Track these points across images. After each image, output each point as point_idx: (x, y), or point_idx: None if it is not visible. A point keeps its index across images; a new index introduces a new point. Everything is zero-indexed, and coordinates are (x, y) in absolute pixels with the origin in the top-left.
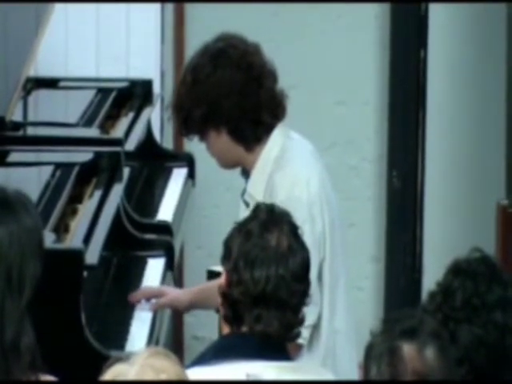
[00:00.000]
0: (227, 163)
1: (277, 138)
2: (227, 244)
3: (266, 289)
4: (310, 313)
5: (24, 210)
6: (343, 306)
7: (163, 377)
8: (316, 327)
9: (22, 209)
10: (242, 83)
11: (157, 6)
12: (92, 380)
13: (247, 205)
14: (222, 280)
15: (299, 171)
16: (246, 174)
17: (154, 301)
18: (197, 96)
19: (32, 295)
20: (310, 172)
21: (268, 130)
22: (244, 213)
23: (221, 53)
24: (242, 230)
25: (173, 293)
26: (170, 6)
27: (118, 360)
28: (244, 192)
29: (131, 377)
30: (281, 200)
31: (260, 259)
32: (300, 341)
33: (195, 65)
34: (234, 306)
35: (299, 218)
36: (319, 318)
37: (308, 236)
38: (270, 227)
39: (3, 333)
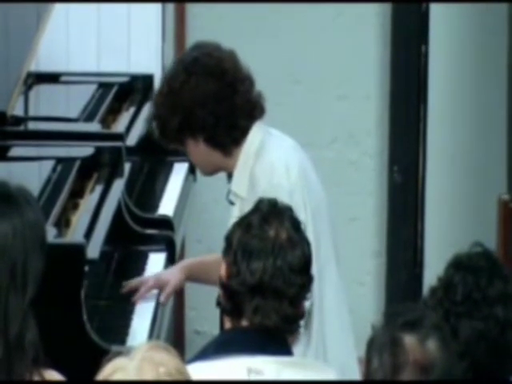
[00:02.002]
0: (207, 170)
1: (254, 134)
2: (228, 237)
3: (262, 279)
4: None
5: (27, 204)
6: (333, 294)
7: (162, 370)
8: (309, 314)
9: (24, 203)
10: (216, 90)
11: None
12: (93, 380)
13: (232, 204)
14: (221, 272)
15: (278, 159)
16: (230, 178)
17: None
18: (172, 105)
19: (35, 290)
20: (289, 160)
21: (244, 132)
22: (233, 213)
23: (195, 61)
24: (242, 223)
25: (170, 279)
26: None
27: (118, 354)
28: (229, 193)
29: (131, 370)
30: (262, 189)
31: (257, 250)
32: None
33: (171, 75)
34: (232, 298)
35: None
36: (311, 305)
37: None
38: (270, 220)
39: (7, 328)
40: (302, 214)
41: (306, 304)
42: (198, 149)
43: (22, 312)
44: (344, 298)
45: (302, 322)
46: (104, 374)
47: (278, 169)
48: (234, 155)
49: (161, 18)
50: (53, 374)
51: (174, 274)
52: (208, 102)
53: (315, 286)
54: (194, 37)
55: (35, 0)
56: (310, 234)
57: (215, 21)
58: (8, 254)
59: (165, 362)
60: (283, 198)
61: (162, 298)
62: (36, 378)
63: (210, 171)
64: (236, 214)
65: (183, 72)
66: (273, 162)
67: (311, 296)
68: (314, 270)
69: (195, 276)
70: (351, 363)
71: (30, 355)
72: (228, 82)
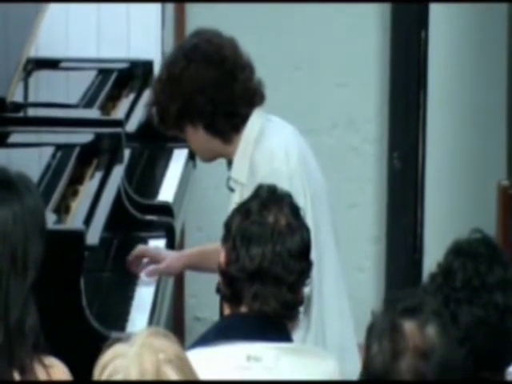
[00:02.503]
0: (207, 156)
1: (255, 121)
2: (227, 224)
3: (261, 265)
4: None
5: (27, 190)
6: (333, 280)
7: (162, 357)
8: (309, 299)
9: (24, 189)
10: (215, 78)
11: None
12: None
13: (232, 190)
14: (221, 258)
15: (277, 145)
16: (230, 164)
17: (151, 267)
18: (171, 92)
19: (35, 276)
20: (289, 146)
21: (244, 119)
22: (233, 199)
23: (194, 48)
24: (241, 209)
25: (167, 258)
26: None
27: (118, 340)
28: (228, 179)
29: (131, 356)
30: (261, 175)
31: (257, 236)
32: None
33: (170, 61)
34: (232, 284)
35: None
36: (311, 290)
37: None
38: (269, 206)
39: (8, 313)
40: (301, 200)
41: (306, 290)
42: (198, 135)
43: (22, 297)
44: (343, 284)
45: (301, 308)
46: (104, 359)
47: (278, 155)
48: (234, 142)
49: (160, 4)
50: (52, 361)
51: (173, 258)
52: (207, 90)
53: (314, 271)
54: (193, 22)
55: (36, 0)
56: (310, 220)
57: (215, 6)
58: (8, 239)
59: (164, 348)
60: (283, 184)
61: (148, 273)
62: (36, 364)
63: (210, 158)
64: (236, 200)
65: (183, 59)
66: (272, 148)
67: (311, 282)
68: (313, 255)
69: (195, 265)
70: (350, 349)
71: (30, 340)
72: (228, 69)
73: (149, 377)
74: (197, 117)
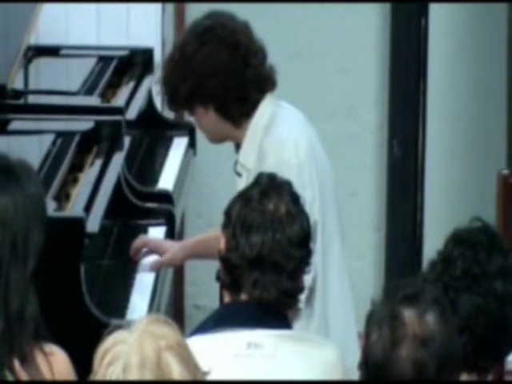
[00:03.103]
0: (215, 138)
1: (266, 107)
2: (228, 211)
3: (261, 252)
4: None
5: (27, 177)
6: (337, 271)
7: (162, 343)
8: (312, 290)
9: (25, 177)
10: (228, 62)
11: None
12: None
13: (239, 175)
14: (221, 246)
15: (287, 135)
16: (238, 148)
17: (151, 258)
18: (183, 73)
19: (36, 263)
20: (299, 135)
21: (254, 105)
22: (239, 184)
23: (208, 30)
24: (242, 197)
25: (169, 250)
26: None
27: (119, 327)
28: (236, 164)
29: (131, 343)
30: (269, 164)
31: (257, 223)
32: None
33: (183, 42)
34: (232, 272)
35: (287, 179)
36: (314, 281)
37: None
38: (269, 193)
39: (8, 301)
40: (308, 191)
41: (309, 280)
42: (208, 117)
43: (23, 285)
44: (346, 275)
45: (303, 298)
46: (105, 346)
47: (287, 144)
48: (244, 127)
49: None
50: (53, 348)
51: (176, 250)
52: (219, 73)
53: (319, 262)
54: (193, 10)
55: (36, 0)
56: (316, 212)
57: None
58: (9, 226)
59: (165, 335)
60: (290, 175)
61: (151, 266)
62: (36, 351)
63: (218, 140)
64: (242, 185)
65: (196, 40)
66: (282, 137)
67: (313, 271)
68: (319, 246)
69: (198, 254)
70: (351, 340)
71: (30, 328)
72: (240, 54)
73: (149, 363)
74: (208, 99)
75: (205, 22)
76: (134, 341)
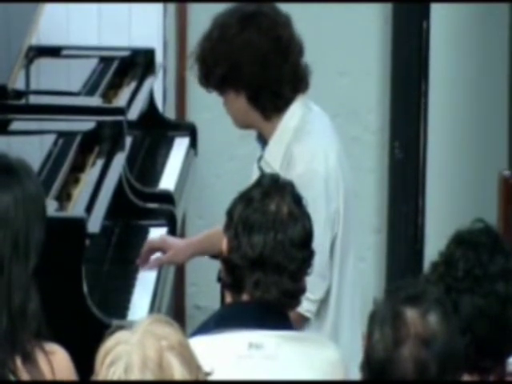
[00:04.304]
0: (242, 124)
1: (297, 108)
2: (230, 212)
3: (263, 253)
4: (318, 287)
5: (27, 176)
6: (351, 285)
7: (164, 344)
8: (324, 303)
9: (25, 175)
10: (267, 53)
11: None
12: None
13: (262, 171)
14: (223, 246)
15: (318, 145)
16: (261, 139)
17: (155, 256)
18: (220, 54)
19: (37, 261)
20: (329, 146)
21: (287, 102)
22: None
23: (251, 17)
24: (244, 197)
25: (173, 247)
26: None
27: (120, 328)
28: (260, 158)
29: (133, 343)
30: (298, 173)
31: (258, 224)
32: (307, 314)
33: (223, 22)
34: (233, 272)
35: (315, 191)
36: (327, 294)
37: (322, 211)
38: (271, 194)
39: (11, 298)
40: (334, 203)
41: (320, 292)
42: (238, 102)
43: (25, 282)
44: (358, 289)
45: (313, 309)
46: (106, 346)
47: (317, 155)
48: (273, 121)
49: None
50: (54, 347)
51: (180, 247)
52: (257, 63)
53: (335, 275)
54: (195, 11)
55: (36, 0)
56: (341, 222)
57: None
58: (11, 224)
59: (167, 335)
60: (318, 185)
61: (151, 263)
62: (37, 350)
63: (243, 126)
64: None
65: (238, 23)
66: (314, 147)
67: (327, 284)
68: (337, 259)
69: (203, 251)
70: (357, 354)
71: (32, 326)
72: (280, 48)
73: (151, 364)
74: (241, 86)
75: (249, 7)
76: (135, 341)
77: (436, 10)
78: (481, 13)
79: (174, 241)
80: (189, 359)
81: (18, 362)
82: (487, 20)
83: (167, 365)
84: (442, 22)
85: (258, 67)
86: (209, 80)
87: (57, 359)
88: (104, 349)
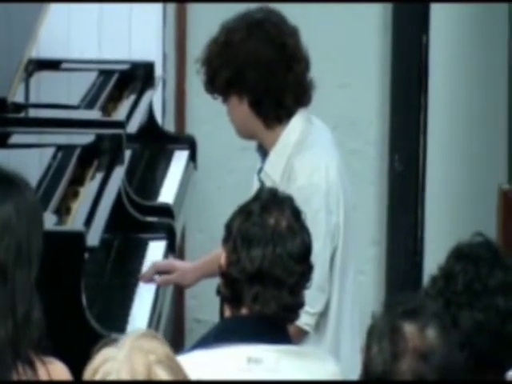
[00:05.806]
0: (244, 133)
1: (298, 121)
2: (228, 225)
3: (261, 266)
4: (317, 301)
5: (25, 186)
6: (350, 299)
7: (152, 358)
8: (323, 316)
9: (23, 186)
10: (272, 60)
11: None
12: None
13: (262, 183)
14: (221, 260)
15: (319, 158)
16: (262, 150)
17: (163, 276)
18: (226, 58)
19: (37, 274)
20: (330, 160)
21: (289, 113)
22: None
23: (258, 24)
24: (243, 211)
25: (180, 269)
26: None
27: (107, 343)
28: (260, 170)
29: (121, 360)
30: (299, 186)
31: (257, 238)
32: (306, 327)
33: (231, 27)
34: (232, 286)
35: (316, 204)
36: (327, 308)
37: (322, 225)
38: (270, 208)
39: (16, 305)
40: (334, 217)
41: (319, 306)
42: (241, 109)
43: (28, 289)
44: (358, 303)
45: (312, 322)
46: (94, 364)
47: (319, 169)
48: (275, 131)
49: (162, 5)
50: (53, 361)
51: (187, 270)
52: (261, 68)
53: (335, 289)
54: (195, 25)
55: (36, 0)
56: (340, 237)
57: (217, 8)
58: (14, 232)
59: (154, 349)
60: (319, 198)
61: (160, 281)
62: (37, 360)
63: (246, 135)
64: None
65: (245, 29)
66: (315, 160)
67: (325, 297)
68: (337, 272)
69: (210, 274)
70: (356, 368)
71: (36, 334)
72: (285, 56)
73: (140, 378)
74: (245, 90)
75: (257, 14)
76: (123, 357)
77: (435, 23)
78: (480, 26)
79: (181, 263)
80: (176, 371)
81: (20, 368)
82: (487, 34)
83: (156, 378)
84: (441, 34)
85: (262, 73)
86: (214, 84)
87: (56, 370)
88: (92, 367)
